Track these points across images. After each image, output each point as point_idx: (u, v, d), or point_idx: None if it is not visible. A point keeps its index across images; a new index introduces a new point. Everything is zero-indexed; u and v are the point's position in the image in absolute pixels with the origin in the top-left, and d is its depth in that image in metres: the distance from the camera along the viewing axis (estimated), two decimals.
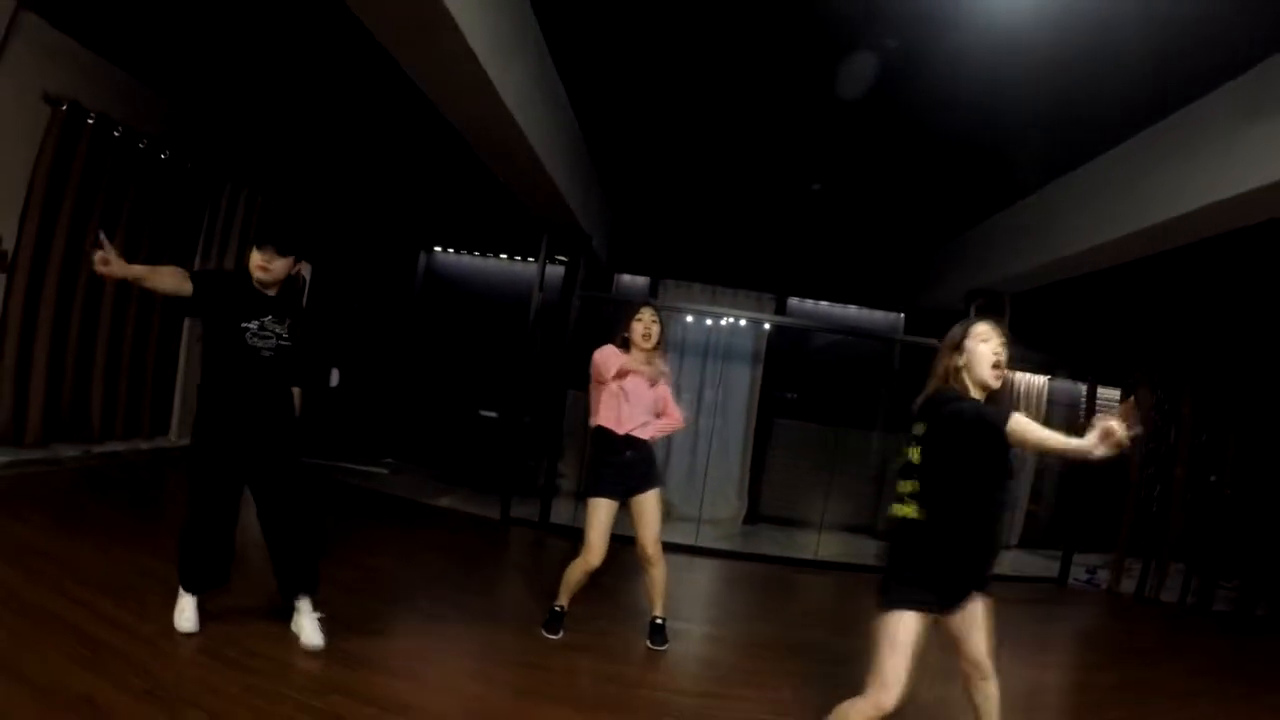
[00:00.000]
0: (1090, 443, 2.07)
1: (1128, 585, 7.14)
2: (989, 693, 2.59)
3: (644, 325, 3.77)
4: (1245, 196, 3.83)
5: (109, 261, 2.72)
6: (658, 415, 3.88)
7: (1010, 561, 8.01)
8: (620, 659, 3.71)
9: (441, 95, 4.10)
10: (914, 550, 2.47)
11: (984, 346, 2.49)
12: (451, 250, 9.04)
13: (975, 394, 2.50)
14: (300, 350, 3.29)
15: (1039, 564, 7.83)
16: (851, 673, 3.68)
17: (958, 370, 2.52)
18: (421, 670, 3.22)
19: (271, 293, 3.19)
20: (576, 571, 3.76)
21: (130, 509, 4.98)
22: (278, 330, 3.16)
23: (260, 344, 3.10)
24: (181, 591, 3.16)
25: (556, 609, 3.88)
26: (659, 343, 3.79)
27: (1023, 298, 6.85)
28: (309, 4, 3.06)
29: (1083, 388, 8.47)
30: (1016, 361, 7.88)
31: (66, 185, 5.35)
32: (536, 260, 6.66)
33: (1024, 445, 2.26)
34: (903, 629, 2.37)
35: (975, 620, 2.52)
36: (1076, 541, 7.51)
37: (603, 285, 8.51)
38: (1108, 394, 7.86)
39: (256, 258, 3.11)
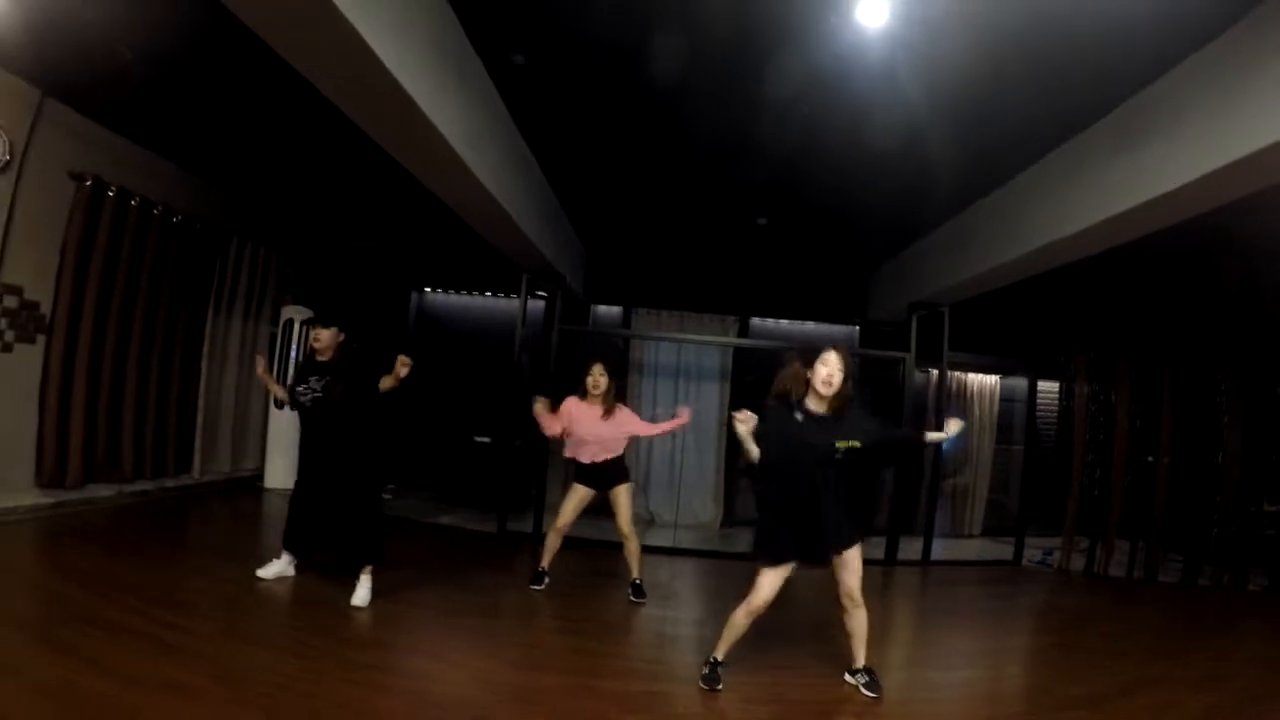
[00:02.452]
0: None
1: (1078, 564, 7.54)
2: (859, 619, 3.68)
3: (592, 379, 4.91)
4: (1119, 217, 4.45)
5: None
6: (626, 438, 5.00)
7: (972, 548, 8.58)
8: (601, 638, 4.35)
9: (427, 176, 4.87)
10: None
11: (823, 368, 3.46)
12: (441, 290, 9.68)
13: (814, 399, 3.51)
14: (328, 398, 4.39)
15: (999, 549, 8.27)
16: (810, 633, 4.45)
17: (808, 380, 3.50)
18: (438, 651, 3.87)
19: (324, 358, 4.48)
20: (551, 535, 5.11)
21: (167, 538, 5.62)
22: (314, 386, 4.39)
23: (304, 399, 4.39)
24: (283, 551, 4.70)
25: (539, 570, 5.15)
26: (607, 389, 4.92)
27: (965, 306, 7.45)
28: (299, 83, 3.65)
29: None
30: (968, 365, 8.50)
31: (93, 253, 5.97)
32: (519, 298, 7.29)
33: None
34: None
35: (848, 565, 3.58)
36: (1034, 526, 7.99)
37: (580, 316, 9.22)
38: (1048, 386, 8.44)
39: (311, 335, 4.51)
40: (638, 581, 5.14)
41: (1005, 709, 3.76)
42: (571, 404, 4.94)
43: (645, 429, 5.06)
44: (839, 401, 3.49)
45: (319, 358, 4.49)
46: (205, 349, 7.41)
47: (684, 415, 4.97)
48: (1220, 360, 7.32)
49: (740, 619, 3.58)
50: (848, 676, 3.79)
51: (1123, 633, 5.41)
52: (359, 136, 4.27)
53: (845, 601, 3.64)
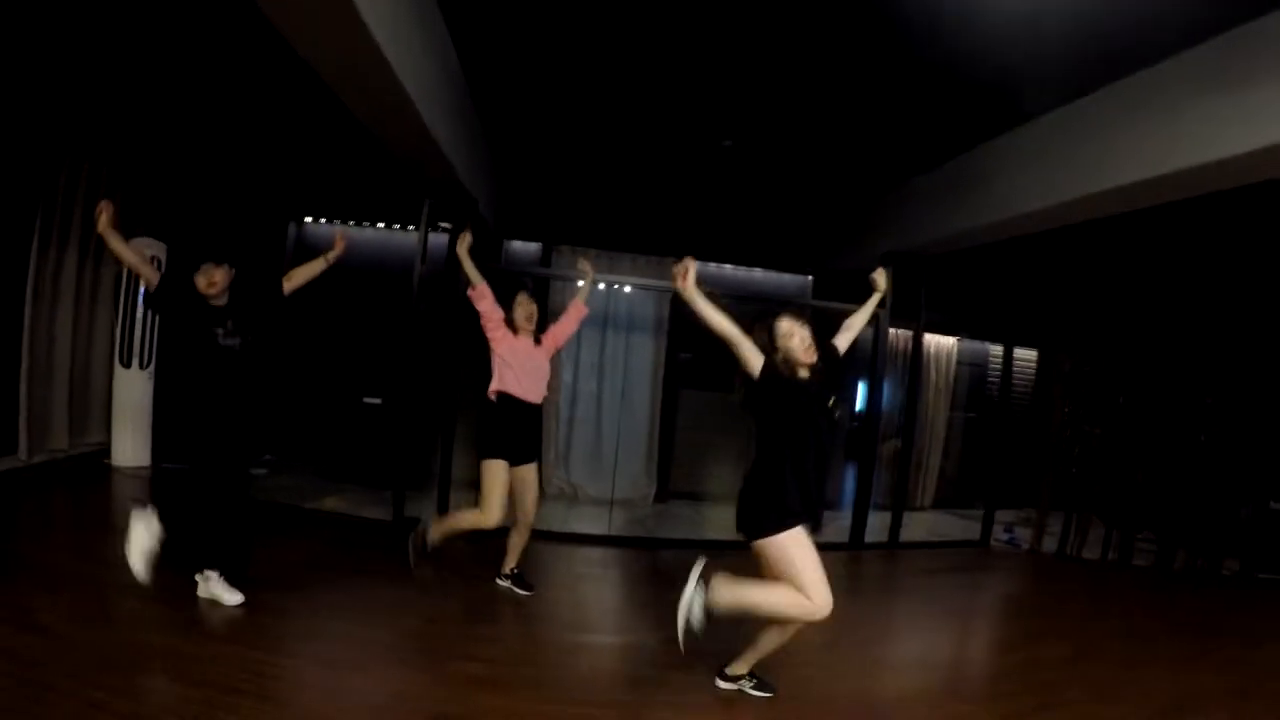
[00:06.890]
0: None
1: (1049, 544, 7.25)
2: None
3: (524, 310, 4.42)
4: (1189, 171, 3.81)
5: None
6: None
7: (927, 524, 8.13)
8: (526, 690, 3.33)
9: (295, 26, 3.31)
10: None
11: (795, 340, 3.18)
12: (324, 220, 8.20)
13: (802, 369, 3.22)
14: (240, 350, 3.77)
15: (958, 525, 7.94)
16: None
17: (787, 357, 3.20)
18: None
19: (219, 303, 3.72)
20: (466, 522, 4.28)
21: None
22: (224, 336, 3.70)
23: (228, 341, 3.71)
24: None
25: (432, 543, 4.34)
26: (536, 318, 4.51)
27: (935, 260, 6.81)
28: None
29: (989, 348, 8.80)
30: (929, 324, 7.83)
31: None
32: (418, 229, 6.08)
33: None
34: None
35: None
36: (993, 500, 7.57)
37: (491, 254, 7.82)
38: (1025, 354, 7.93)
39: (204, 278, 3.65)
40: (516, 570, 4.66)
41: None
42: (507, 339, 4.43)
43: (568, 325, 4.67)
44: (822, 357, 3.29)
45: (213, 302, 3.70)
46: (29, 293, 5.96)
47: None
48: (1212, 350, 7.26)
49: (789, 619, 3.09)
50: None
51: (1134, 631, 5.02)
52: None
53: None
